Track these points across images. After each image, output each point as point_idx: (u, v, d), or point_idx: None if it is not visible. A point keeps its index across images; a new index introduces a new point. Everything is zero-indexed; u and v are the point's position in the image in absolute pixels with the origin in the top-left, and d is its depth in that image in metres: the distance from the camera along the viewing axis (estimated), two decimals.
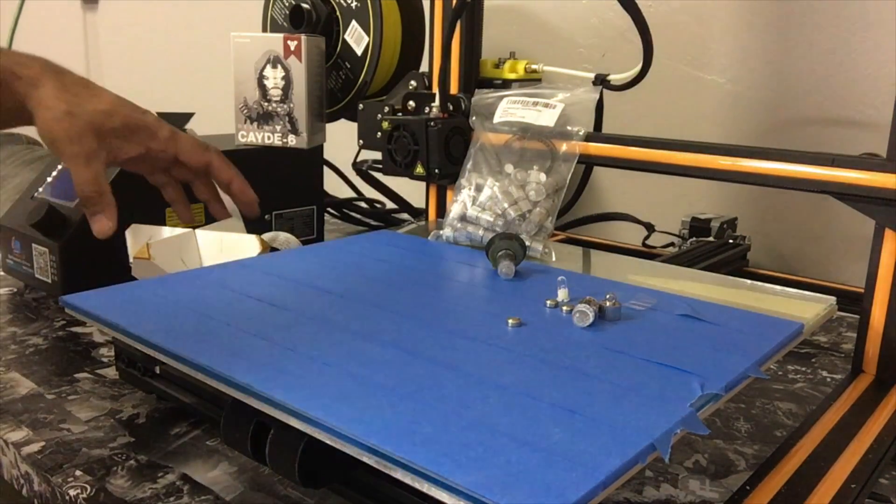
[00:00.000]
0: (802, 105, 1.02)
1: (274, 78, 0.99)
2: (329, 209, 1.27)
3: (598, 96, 0.80)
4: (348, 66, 1.08)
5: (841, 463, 0.48)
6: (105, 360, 0.70)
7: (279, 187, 0.99)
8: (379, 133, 0.91)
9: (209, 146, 0.74)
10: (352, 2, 1.05)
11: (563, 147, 0.76)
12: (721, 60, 1.08)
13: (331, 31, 1.08)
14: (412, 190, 1.22)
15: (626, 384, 0.43)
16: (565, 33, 1.21)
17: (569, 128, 0.77)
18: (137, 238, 0.73)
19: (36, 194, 0.86)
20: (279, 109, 0.99)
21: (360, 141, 0.99)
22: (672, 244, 1.03)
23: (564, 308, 0.56)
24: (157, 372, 0.59)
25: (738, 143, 0.78)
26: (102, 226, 0.66)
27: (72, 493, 0.49)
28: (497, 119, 0.81)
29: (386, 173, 0.90)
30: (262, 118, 1.00)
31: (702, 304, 0.57)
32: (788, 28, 1.02)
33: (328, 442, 0.38)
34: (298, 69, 0.98)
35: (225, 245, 0.73)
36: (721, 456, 0.56)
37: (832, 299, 0.60)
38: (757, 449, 0.57)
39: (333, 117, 1.11)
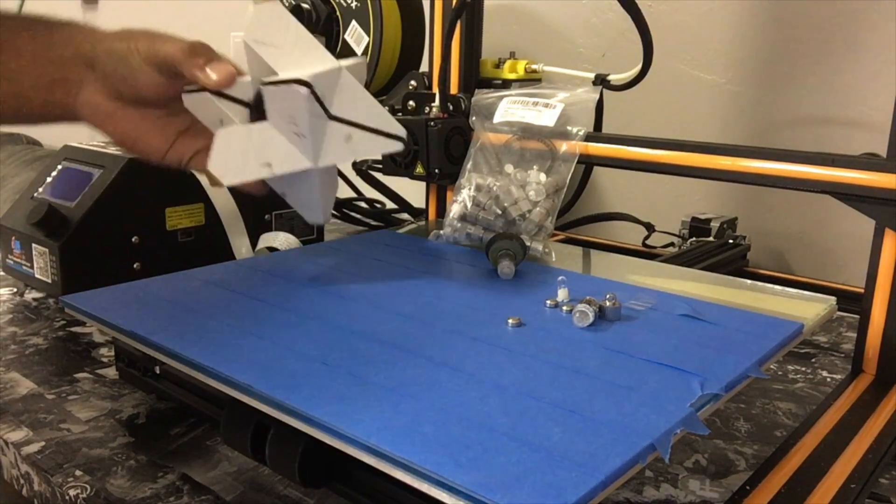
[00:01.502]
0: (802, 105, 1.02)
1: None
2: None
3: (598, 96, 0.80)
4: None
5: (841, 463, 0.48)
6: (105, 360, 0.70)
7: None
8: None
9: None
10: (352, 2, 1.05)
11: (563, 147, 0.76)
12: (721, 60, 1.08)
13: (331, 31, 1.08)
14: (412, 190, 1.22)
15: (626, 384, 0.43)
16: (565, 33, 1.21)
17: (569, 128, 0.77)
18: None
19: (36, 194, 0.86)
20: None
21: None
22: (672, 244, 1.03)
23: (564, 308, 0.56)
24: (157, 372, 0.59)
25: (737, 143, 0.78)
26: (227, 69, 0.57)
27: (72, 493, 0.49)
28: (497, 119, 0.81)
29: (386, 173, 0.90)
30: None
31: (702, 304, 0.57)
32: (788, 28, 1.02)
33: (328, 442, 0.38)
34: None
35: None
36: (721, 456, 0.56)
37: (832, 299, 0.60)
38: (757, 449, 0.57)
39: None
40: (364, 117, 0.57)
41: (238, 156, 0.56)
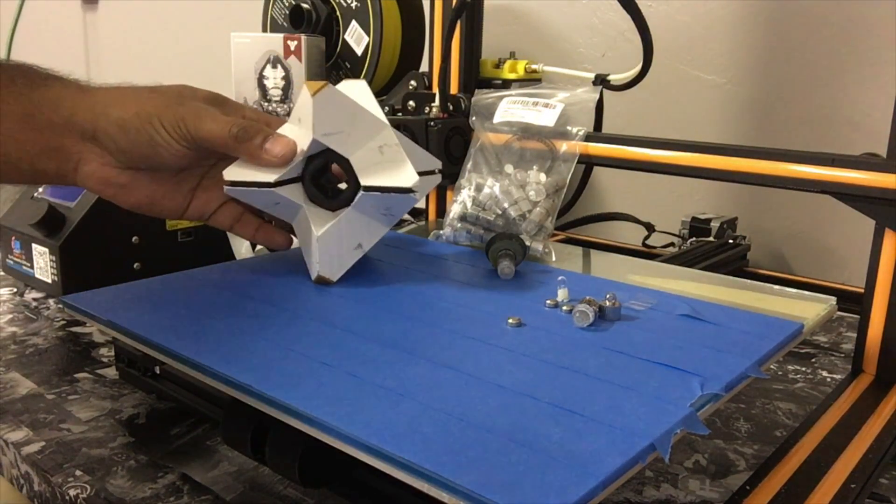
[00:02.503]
0: (802, 105, 1.02)
1: (274, 78, 0.99)
2: None
3: (598, 96, 0.80)
4: (348, 66, 1.08)
5: (841, 463, 0.48)
6: (105, 360, 0.70)
7: None
8: None
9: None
10: (352, 2, 1.05)
11: (563, 147, 0.76)
12: (721, 60, 1.08)
13: (331, 31, 1.08)
14: None
15: (626, 384, 0.43)
16: (565, 33, 1.21)
17: (569, 128, 0.77)
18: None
19: (36, 194, 0.86)
20: (279, 109, 1.00)
21: None
22: (672, 244, 1.03)
23: (564, 308, 0.56)
24: (157, 372, 0.59)
25: (738, 143, 0.78)
26: (286, 142, 0.55)
27: (72, 493, 0.49)
28: (497, 119, 0.81)
29: None
30: None
31: (702, 304, 0.57)
32: (788, 28, 1.02)
33: (328, 442, 0.38)
34: (298, 69, 0.98)
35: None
36: (721, 456, 0.56)
37: (832, 299, 0.60)
38: (757, 449, 0.57)
39: None
40: (416, 163, 0.59)
41: (337, 251, 0.60)
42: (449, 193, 0.92)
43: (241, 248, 0.88)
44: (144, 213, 0.60)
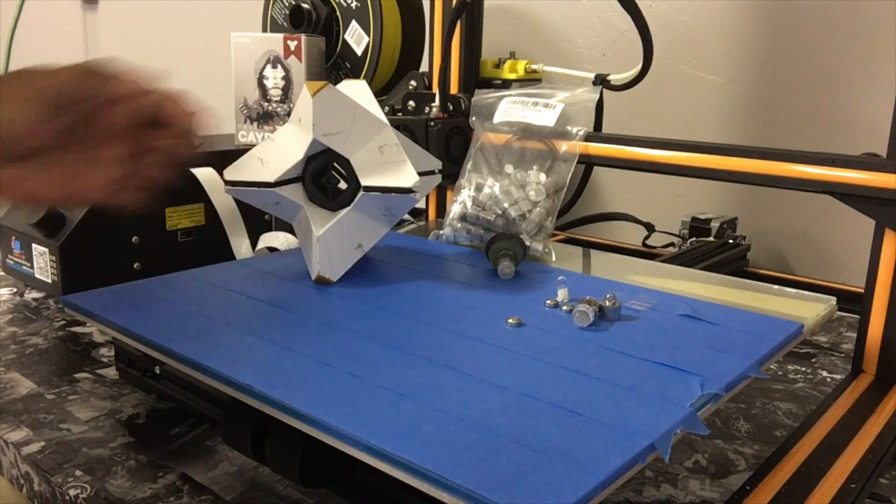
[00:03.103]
0: (802, 105, 1.02)
1: (274, 78, 0.99)
2: None
3: (598, 96, 0.80)
4: (348, 66, 1.08)
5: (841, 463, 0.48)
6: (105, 360, 0.70)
7: None
8: None
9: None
10: (352, 2, 1.05)
11: (563, 147, 0.76)
12: (721, 60, 1.08)
13: (331, 31, 1.08)
14: None
15: (626, 384, 0.43)
16: (565, 33, 1.21)
17: (569, 128, 0.77)
18: None
19: None
20: (279, 109, 1.00)
21: None
22: (672, 244, 1.03)
23: (564, 308, 0.56)
24: (157, 372, 0.59)
25: (738, 143, 0.78)
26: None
27: (72, 493, 0.49)
28: (497, 119, 0.81)
29: None
30: (262, 118, 1.00)
31: (702, 304, 0.57)
32: (788, 28, 1.02)
33: (328, 442, 0.38)
34: (298, 69, 0.98)
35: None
36: (721, 456, 0.56)
37: (832, 299, 0.60)
38: (757, 449, 0.57)
39: None
40: (416, 163, 0.60)
41: (337, 251, 0.60)
42: (449, 193, 0.92)
43: (241, 248, 0.88)
44: (49, 205, 0.55)
